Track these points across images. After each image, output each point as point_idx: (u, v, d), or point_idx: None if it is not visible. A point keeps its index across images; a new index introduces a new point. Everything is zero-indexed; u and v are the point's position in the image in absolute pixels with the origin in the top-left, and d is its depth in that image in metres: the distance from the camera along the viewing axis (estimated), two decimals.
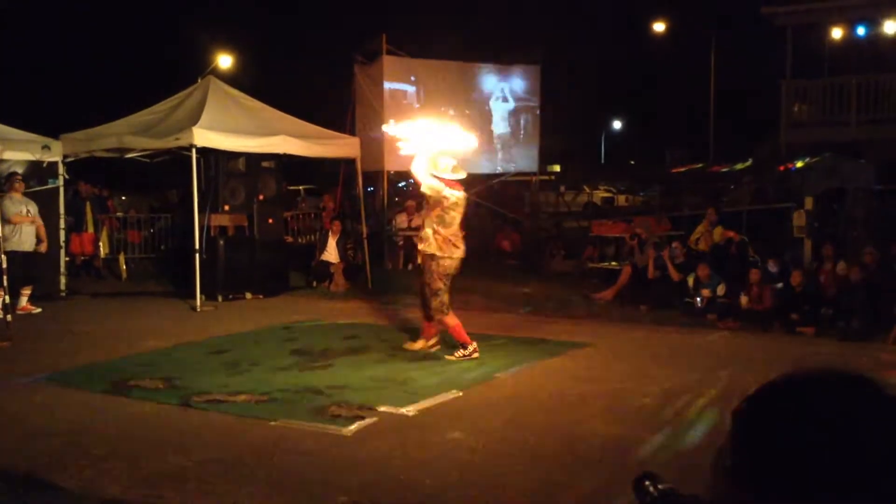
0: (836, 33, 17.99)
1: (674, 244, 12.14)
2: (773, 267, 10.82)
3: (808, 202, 12.12)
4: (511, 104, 17.20)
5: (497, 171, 17.56)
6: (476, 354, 7.97)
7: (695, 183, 23.09)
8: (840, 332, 9.32)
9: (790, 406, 0.96)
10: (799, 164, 17.16)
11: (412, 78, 16.28)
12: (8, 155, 11.66)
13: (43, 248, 11.24)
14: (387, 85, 15.89)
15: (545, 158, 20.85)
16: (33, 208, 11.14)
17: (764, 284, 10.24)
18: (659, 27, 30.88)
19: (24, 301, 10.92)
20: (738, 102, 31.32)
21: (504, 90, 17.14)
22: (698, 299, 10.68)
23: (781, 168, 17.97)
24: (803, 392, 0.97)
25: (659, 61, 37.20)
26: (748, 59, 29.20)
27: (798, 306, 9.79)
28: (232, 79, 16.44)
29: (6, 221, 10.54)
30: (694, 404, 6.49)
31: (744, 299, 10.22)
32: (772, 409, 0.97)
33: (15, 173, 11.42)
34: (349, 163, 14.61)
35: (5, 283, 9.51)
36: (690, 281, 10.94)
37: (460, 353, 7.97)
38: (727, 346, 8.89)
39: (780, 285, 10.31)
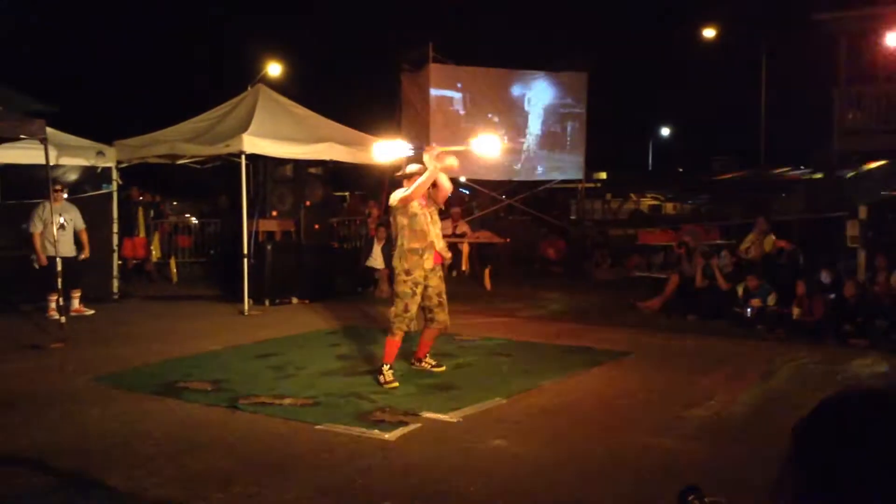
0: (891, 39, 17.56)
1: (723, 253, 11.96)
2: (825, 277, 10.59)
3: (862, 211, 11.85)
4: (557, 111, 17.12)
5: (542, 179, 17.50)
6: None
7: (744, 191, 22.73)
8: (894, 344, 9.08)
9: (850, 423, 0.93)
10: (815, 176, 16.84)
11: (458, 85, 16.33)
12: (63, 161, 11.94)
13: (84, 254, 11.36)
14: (433, 92, 15.96)
15: (591, 166, 20.70)
16: (71, 215, 11.23)
17: (814, 295, 10.03)
18: (709, 33, 30.45)
19: (75, 303, 11.17)
20: (789, 109, 30.79)
21: (550, 97, 17.07)
22: (748, 310, 10.49)
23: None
24: (863, 408, 0.95)
25: (709, 67, 36.74)
26: (800, 66, 28.68)
27: (851, 317, 9.57)
28: (281, 87, 16.66)
29: (39, 233, 10.75)
30: (743, 417, 6.38)
31: (796, 310, 10.02)
32: (831, 426, 0.95)
33: (54, 180, 11.55)
34: (395, 169, 14.69)
35: (59, 286, 9.74)
36: (740, 291, 10.77)
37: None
38: (777, 358, 8.72)
39: (832, 296, 10.09)
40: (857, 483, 0.89)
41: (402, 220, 7.30)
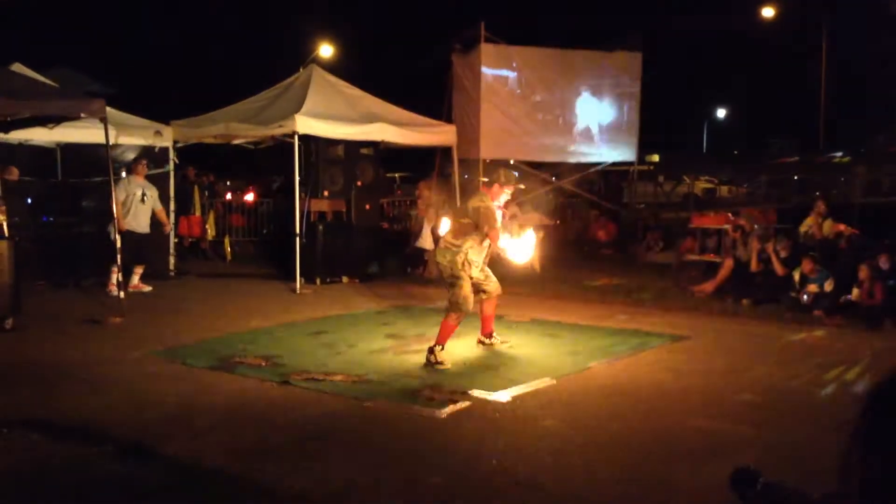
0: None
1: (779, 237, 11.72)
2: (883, 263, 10.29)
3: None
4: (611, 92, 16.90)
5: (595, 161, 17.31)
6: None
7: (802, 174, 22.20)
8: None
9: None
10: None
11: (514, 64, 16.19)
12: (122, 140, 12.20)
13: (166, 229, 11.72)
14: (488, 71, 15.86)
15: (644, 148, 20.40)
16: (152, 192, 11.53)
17: (875, 279, 9.77)
18: (768, 12, 29.68)
19: (136, 279, 11.43)
20: (851, 89, 29.92)
21: (603, 77, 16.85)
22: (805, 295, 10.27)
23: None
24: None
25: (767, 47, 35.85)
26: (863, 44, 27.81)
27: None
28: (333, 67, 16.75)
29: (119, 202, 11.01)
30: (797, 402, 6.27)
31: (856, 292, 9.80)
32: None
33: (140, 157, 11.94)
34: (445, 150, 14.69)
35: (119, 261, 9.98)
36: (796, 275, 10.54)
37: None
38: (834, 344, 8.54)
39: (891, 282, 9.81)
40: None
41: (474, 234, 7.41)
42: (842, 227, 11.72)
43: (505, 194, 7.66)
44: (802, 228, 12.08)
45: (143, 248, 11.28)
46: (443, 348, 7.28)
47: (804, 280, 10.40)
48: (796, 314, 10.02)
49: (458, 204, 7.81)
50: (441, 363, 7.16)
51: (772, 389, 6.58)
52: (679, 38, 34.09)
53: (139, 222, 11.26)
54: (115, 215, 10.42)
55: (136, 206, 11.23)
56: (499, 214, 7.68)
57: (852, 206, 14.96)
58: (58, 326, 8.96)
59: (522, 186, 8.17)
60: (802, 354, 7.98)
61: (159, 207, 11.68)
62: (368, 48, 31.05)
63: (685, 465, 4.88)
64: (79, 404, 6.02)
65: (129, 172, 11.61)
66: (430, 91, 18.18)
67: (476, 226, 7.39)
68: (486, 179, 7.91)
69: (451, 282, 7.42)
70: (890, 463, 0.86)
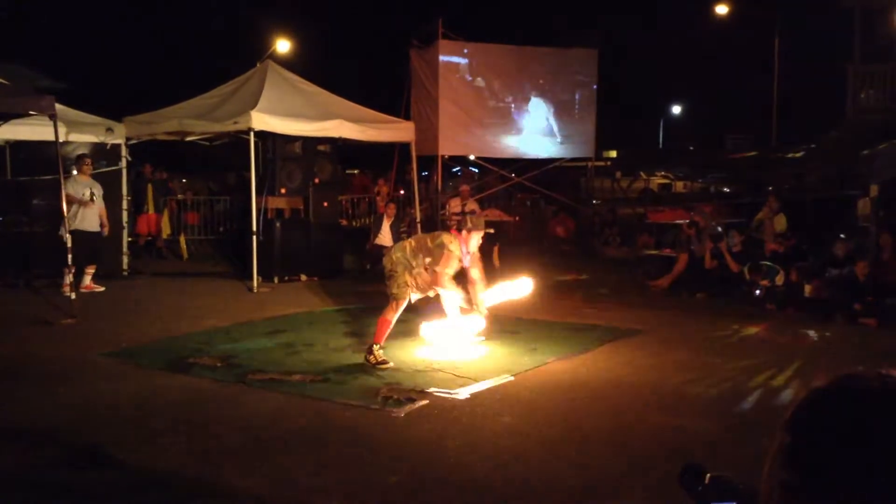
0: None
1: (731, 232, 11.92)
2: (839, 249, 10.44)
3: (874, 190, 11.76)
4: (568, 89, 17.01)
5: (552, 157, 17.42)
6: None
7: (757, 169, 22.58)
8: None
9: (845, 416, 0.89)
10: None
11: (471, 61, 16.22)
12: (73, 137, 11.95)
13: (105, 231, 11.37)
14: (445, 64, 15.87)
15: (601, 144, 20.58)
16: (97, 190, 11.33)
17: (809, 275, 10.01)
18: (721, 9, 30.09)
19: (87, 280, 11.20)
20: (802, 87, 30.51)
21: (561, 74, 16.95)
22: (757, 290, 10.47)
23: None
24: (858, 400, 0.90)
25: (721, 44, 36.36)
26: (814, 43, 28.38)
27: (862, 296, 9.53)
28: (289, 63, 16.60)
29: (68, 202, 10.76)
30: (750, 395, 6.38)
31: (808, 288, 10.01)
32: (829, 422, 0.90)
33: (84, 155, 11.63)
34: (404, 147, 14.66)
35: (71, 261, 9.78)
36: (747, 272, 10.74)
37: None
38: (786, 337, 8.71)
39: (845, 270, 10.00)
40: (857, 486, 0.85)
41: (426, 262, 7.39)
42: (774, 246, 11.77)
43: (475, 239, 7.60)
44: (754, 224, 12.29)
45: (94, 248, 11.02)
46: (381, 347, 7.14)
47: (755, 275, 10.60)
48: (749, 308, 10.21)
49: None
50: (383, 363, 7.03)
51: (726, 383, 6.69)
52: (635, 35, 34.42)
53: (89, 221, 11.03)
54: (65, 216, 10.21)
55: (84, 205, 10.98)
56: (467, 260, 7.64)
57: (804, 202, 15.25)
58: (8, 328, 8.76)
59: (492, 231, 8.16)
60: (756, 348, 8.13)
61: (102, 207, 11.34)
62: (326, 44, 30.84)
63: (639, 460, 4.94)
64: (29, 408, 5.89)
65: (77, 171, 11.35)
66: (388, 87, 18.13)
67: (432, 259, 7.35)
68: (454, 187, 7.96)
69: (389, 275, 7.38)
70: (811, 481, 0.88)
